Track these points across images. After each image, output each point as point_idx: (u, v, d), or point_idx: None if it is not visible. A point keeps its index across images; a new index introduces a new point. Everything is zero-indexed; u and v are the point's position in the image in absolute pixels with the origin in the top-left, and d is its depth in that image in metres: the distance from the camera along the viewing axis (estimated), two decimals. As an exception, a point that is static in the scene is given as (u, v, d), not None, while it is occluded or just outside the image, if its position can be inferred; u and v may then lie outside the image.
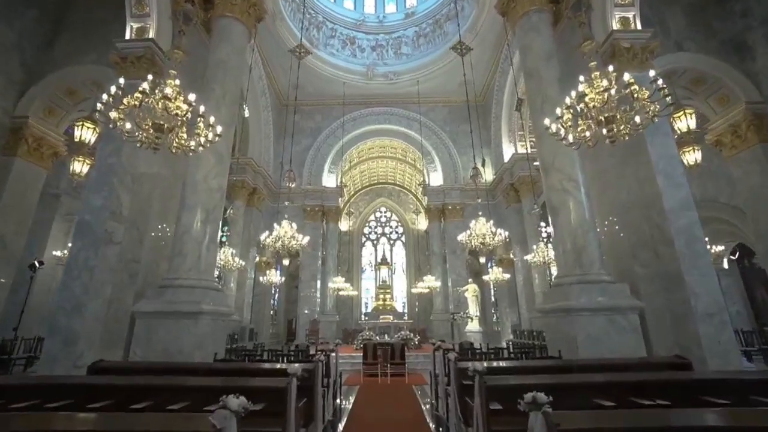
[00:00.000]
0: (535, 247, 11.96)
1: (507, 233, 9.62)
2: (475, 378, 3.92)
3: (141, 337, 6.16)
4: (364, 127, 19.97)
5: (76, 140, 7.64)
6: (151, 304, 6.30)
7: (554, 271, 19.05)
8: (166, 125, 4.52)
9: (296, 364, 5.17)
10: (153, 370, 5.22)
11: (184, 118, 4.69)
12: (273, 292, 20.00)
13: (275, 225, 9.45)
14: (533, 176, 15.00)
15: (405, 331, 12.53)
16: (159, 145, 4.62)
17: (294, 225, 9.56)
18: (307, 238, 9.88)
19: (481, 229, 9.13)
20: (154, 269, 7.10)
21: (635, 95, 4.14)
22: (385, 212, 25.08)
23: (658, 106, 4.33)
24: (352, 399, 7.84)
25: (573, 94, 4.89)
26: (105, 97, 4.35)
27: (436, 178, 19.60)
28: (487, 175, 18.56)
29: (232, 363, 5.73)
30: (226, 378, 4.57)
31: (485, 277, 16.91)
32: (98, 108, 4.30)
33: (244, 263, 13.04)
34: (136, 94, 4.33)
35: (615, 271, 6.77)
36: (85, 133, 8.03)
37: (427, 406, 7.04)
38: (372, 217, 24.99)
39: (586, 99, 4.44)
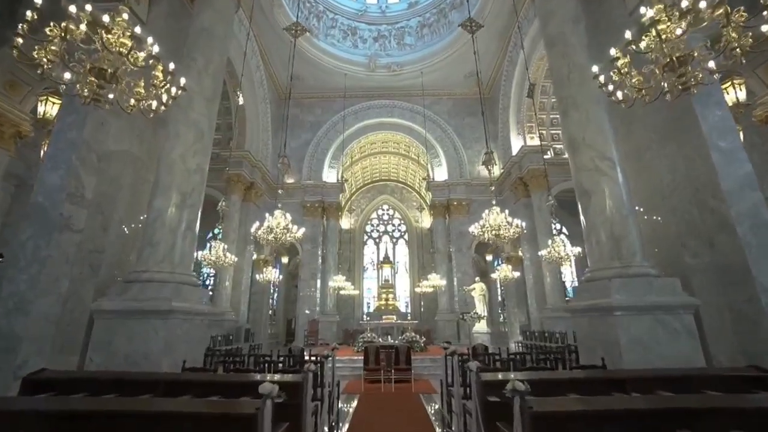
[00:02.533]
0: (550, 242, 10.81)
1: (524, 223, 8.49)
2: (514, 400, 2.82)
3: (100, 340, 5.08)
4: (365, 121, 18.92)
5: (39, 117, 6.59)
6: (114, 302, 5.22)
7: (565, 270, 17.94)
8: (109, 70, 3.43)
9: (274, 380, 4.08)
10: (101, 382, 4.13)
11: (136, 64, 3.61)
12: (272, 291, 18.92)
13: (267, 215, 8.38)
14: (549, 163, 13.93)
15: (410, 333, 11.40)
16: (102, 96, 3.53)
17: (288, 215, 8.47)
18: (302, 230, 8.78)
19: (496, 220, 8.01)
20: (122, 262, 6.03)
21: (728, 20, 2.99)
22: (387, 210, 23.97)
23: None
24: (351, 410, 6.73)
25: (630, 34, 3.78)
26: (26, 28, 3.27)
27: (440, 173, 18.51)
28: (494, 169, 17.44)
29: (201, 373, 4.65)
30: (184, 401, 3.47)
31: (493, 275, 15.77)
32: (15, 43, 3.22)
33: (237, 259, 11.95)
34: (64, 24, 3.24)
35: (658, 264, 5.64)
36: (51, 109, 6.98)
37: (438, 422, 5.92)
38: (374, 215, 23.88)
39: (658, 29, 3.29)
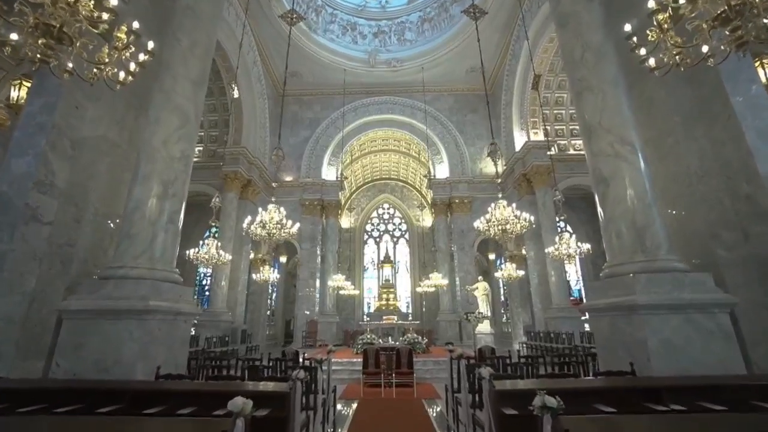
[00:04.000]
0: (557, 238, 10.23)
1: (532, 217, 7.91)
2: (544, 419, 2.24)
3: (67, 344, 4.51)
4: (365, 117, 18.37)
5: (12, 103, 6.04)
6: (84, 301, 4.65)
7: (569, 268, 17.33)
8: (57, 26, 2.87)
9: (255, 390, 3.52)
10: (63, 393, 3.56)
11: (93, 21, 3.05)
12: (270, 291, 18.34)
13: (260, 209, 7.82)
14: (553, 160, 13.37)
15: (412, 334, 10.80)
16: (50, 57, 2.97)
17: (282, 210, 7.91)
18: (297, 225, 8.21)
19: (503, 214, 7.44)
20: (98, 257, 5.46)
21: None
22: (388, 209, 23.40)
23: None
24: (349, 418, 6.15)
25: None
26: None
27: (442, 171, 17.95)
28: (498, 164, 16.88)
29: (176, 382, 4.07)
30: (134, 421, 2.90)
31: (497, 274, 15.20)
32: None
33: (231, 258, 11.38)
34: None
35: (685, 258, 5.05)
36: (24, 94, 6.42)
37: (444, 432, 5.34)
38: (374, 214, 23.30)
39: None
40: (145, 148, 5.50)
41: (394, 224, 23.22)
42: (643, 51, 3.48)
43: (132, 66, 3.50)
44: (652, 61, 3.53)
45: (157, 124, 5.59)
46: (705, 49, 3.24)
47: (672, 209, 5.49)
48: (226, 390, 3.68)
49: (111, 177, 5.74)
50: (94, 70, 3.43)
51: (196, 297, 18.30)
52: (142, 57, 3.46)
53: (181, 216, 5.68)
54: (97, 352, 4.46)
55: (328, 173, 17.95)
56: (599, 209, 5.61)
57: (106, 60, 3.36)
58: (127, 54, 3.27)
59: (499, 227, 7.59)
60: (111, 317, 4.58)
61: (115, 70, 3.43)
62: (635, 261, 4.89)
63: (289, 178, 17.66)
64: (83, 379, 4.16)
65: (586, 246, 10.01)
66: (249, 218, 7.82)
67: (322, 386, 5.56)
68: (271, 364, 5.56)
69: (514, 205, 7.89)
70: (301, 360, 6.37)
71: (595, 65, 5.78)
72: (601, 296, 5.29)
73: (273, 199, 8.04)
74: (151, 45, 3.48)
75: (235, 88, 11.51)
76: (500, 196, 8.04)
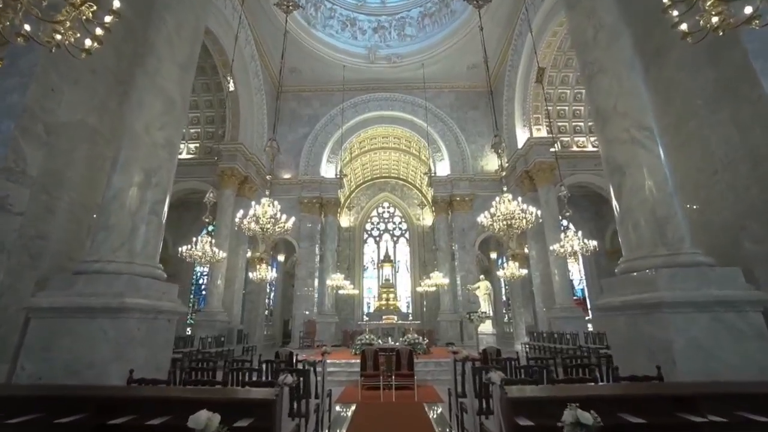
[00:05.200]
0: (563, 235, 9.79)
1: (539, 211, 7.47)
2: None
3: (35, 344, 4.06)
4: (365, 114, 17.95)
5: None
6: (54, 297, 4.21)
7: (572, 268, 16.85)
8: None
9: (235, 398, 3.08)
10: (23, 401, 3.13)
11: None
12: (268, 290, 17.90)
13: (253, 203, 7.39)
14: (558, 155, 12.94)
15: (412, 334, 10.34)
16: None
17: (276, 204, 7.47)
18: (292, 220, 7.76)
19: (508, 207, 7.00)
20: (74, 251, 5.02)
21: None
22: (387, 207, 22.95)
23: None
24: (346, 424, 5.70)
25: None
26: None
27: (442, 168, 17.52)
28: (496, 164, 16.44)
29: (149, 388, 3.62)
30: None
31: (499, 273, 14.76)
32: None
33: (225, 255, 10.94)
34: None
35: (710, 252, 4.61)
36: None
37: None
38: (374, 213, 22.86)
39: None
40: (127, 133, 5.07)
41: (394, 223, 22.77)
42: (675, 13, 3.04)
43: (98, 30, 3.06)
44: (684, 26, 3.09)
45: (139, 108, 5.16)
46: (748, 10, 2.83)
47: (694, 200, 5.05)
48: (204, 398, 3.24)
49: (90, 165, 5.31)
50: (54, 35, 3.00)
51: (192, 296, 17.87)
52: (108, 19, 3.01)
53: (166, 208, 5.25)
54: (68, 353, 4.02)
55: (327, 171, 17.52)
56: (614, 201, 5.17)
57: (62, 18, 2.92)
58: (89, 13, 2.83)
59: (505, 222, 7.15)
60: (83, 315, 4.14)
61: (78, 35, 3.00)
62: (656, 255, 4.46)
63: (287, 176, 17.23)
64: (46, 384, 3.72)
65: (593, 243, 9.57)
66: (241, 212, 7.39)
67: (316, 390, 5.13)
68: (262, 366, 5.11)
69: (519, 199, 7.44)
70: (294, 362, 5.93)
71: (608, 46, 5.36)
72: (616, 293, 4.85)
73: (267, 193, 7.59)
74: (116, 4, 3.03)
75: (231, 81, 11.07)
76: (504, 189, 7.59)
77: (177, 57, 5.60)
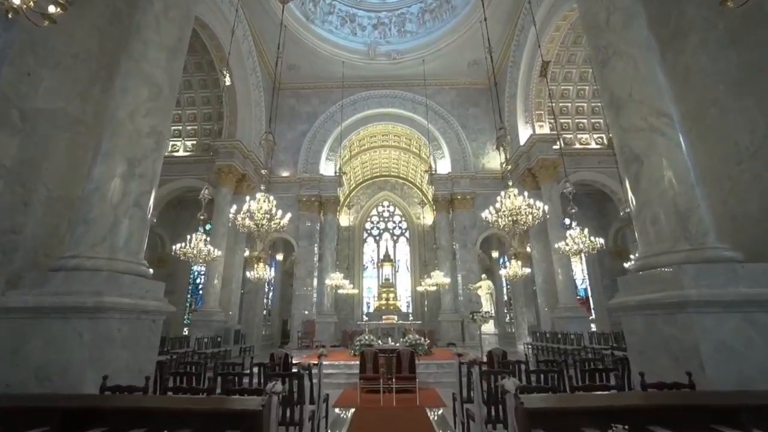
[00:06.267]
0: (569, 232, 9.42)
1: (547, 207, 7.11)
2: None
3: (3, 348, 3.69)
4: (365, 111, 17.59)
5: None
6: (25, 296, 3.85)
7: (575, 267, 16.48)
8: None
9: (218, 409, 2.72)
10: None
11: None
12: (267, 290, 17.54)
13: (247, 198, 7.02)
14: (559, 154, 12.58)
15: (413, 335, 9.97)
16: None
17: (272, 199, 7.11)
18: (288, 216, 7.40)
19: (514, 202, 6.63)
20: (52, 246, 4.65)
21: None
22: (387, 206, 22.58)
23: None
24: (343, 430, 5.33)
25: None
26: None
27: (443, 166, 17.16)
28: (501, 158, 16.05)
29: (123, 397, 3.25)
30: None
31: (501, 272, 14.39)
32: None
33: (220, 253, 10.57)
34: None
35: (735, 246, 4.24)
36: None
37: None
38: (374, 212, 22.49)
39: None
40: (109, 120, 4.71)
41: (394, 222, 22.41)
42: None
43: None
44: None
45: (123, 94, 4.80)
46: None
47: (716, 192, 4.68)
48: (184, 408, 2.88)
49: (71, 156, 4.94)
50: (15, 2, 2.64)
51: (189, 296, 17.49)
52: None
53: (151, 201, 4.88)
54: (39, 358, 3.65)
55: (326, 168, 17.16)
56: (629, 194, 4.80)
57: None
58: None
59: (510, 218, 6.78)
60: (57, 316, 3.78)
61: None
62: (678, 250, 4.09)
63: (285, 174, 16.87)
64: (9, 393, 3.35)
65: (600, 240, 9.21)
66: (234, 207, 7.02)
67: (311, 395, 4.76)
68: (253, 370, 4.74)
69: (526, 193, 7.08)
70: (289, 364, 5.56)
71: (623, 28, 4.99)
72: (632, 292, 4.49)
73: (263, 188, 7.22)
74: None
75: (227, 75, 10.70)
76: (510, 183, 7.23)
77: (165, 41, 5.24)
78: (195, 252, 9.20)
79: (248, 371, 4.52)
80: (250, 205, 6.81)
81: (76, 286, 3.89)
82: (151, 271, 4.77)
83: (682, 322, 3.76)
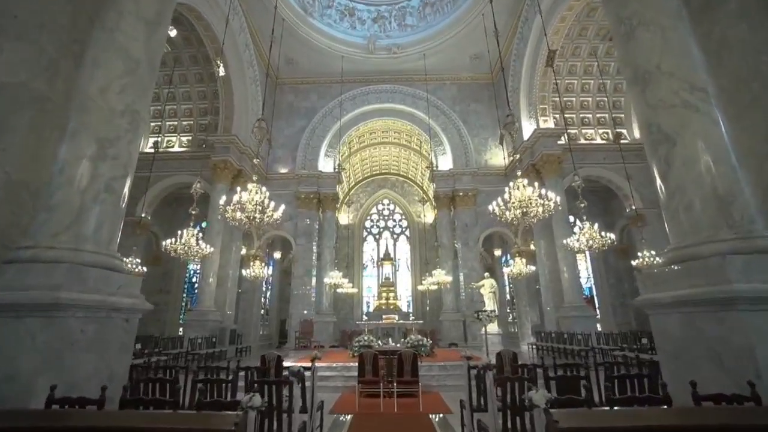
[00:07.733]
0: (578, 228, 8.88)
1: (558, 198, 6.57)
2: None
3: (-56, 351, 3.15)
4: (364, 107, 17.04)
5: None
6: (-28, 292, 3.30)
7: (579, 265, 15.89)
8: None
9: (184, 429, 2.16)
10: None
11: None
12: (264, 289, 16.98)
13: (238, 189, 6.48)
14: (564, 149, 12.06)
15: (415, 335, 9.40)
16: None
17: (265, 190, 6.57)
18: (282, 208, 6.84)
19: (524, 193, 6.09)
20: (12, 236, 4.09)
21: None
22: (387, 204, 22.02)
23: None
24: (340, 442, 4.78)
25: None
26: None
27: (444, 162, 16.61)
28: (504, 153, 15.51)
29: (71, 413, 2.70)
30: None
31: (505, 270, 13.85)
32: None
33: (214, 250, 10.01)
34: None
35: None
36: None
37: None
38: (374, 210, 21.93)
39: None
40: (78, 96, 4.19)
41: (394, 220, 21.85)
42: None
43: None
44: None
45: (93, 68, 4.27)
46: None
47: (759, 175, 4.14)
48: (142, 428, 2.32)
49: (35, 136, 4.37)
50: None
51: (185, 295, 16.91)
52: None
53: (127, 186, 4.34)
54: (-14, 362, 3.10)
55: (325, 165, 16.61)
56: (657, 179, 4.25)
57: None
58: None
59: (519, 210, 6.24)
60: (9, 315, 3.23)
61: None
62: (720, 240, 3.54)
63: (284, 170, 16.32)
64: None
65: (611, 235, 8.67)
66: (224, 198, 6.48)
67: (303, 402, 4.21)
68: (242, 371, 4.17)
69: (536, 184, 6.53)
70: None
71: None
72: (664, 287, 3.93)
73: (255, 179, 6.68)
74: None
75: (221, 65, 10.17)
76: (519, 173, 6.69)
77: (143, 12, 4.71)
78: (186, 249, 8.64)
79: (230, 378, 3.95)
80: (241, 197, 6.27)
81: (30, 281, 3.34)
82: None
83: (729, 320, 3.21)
